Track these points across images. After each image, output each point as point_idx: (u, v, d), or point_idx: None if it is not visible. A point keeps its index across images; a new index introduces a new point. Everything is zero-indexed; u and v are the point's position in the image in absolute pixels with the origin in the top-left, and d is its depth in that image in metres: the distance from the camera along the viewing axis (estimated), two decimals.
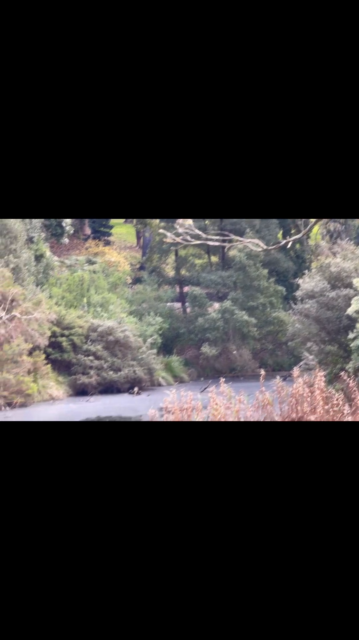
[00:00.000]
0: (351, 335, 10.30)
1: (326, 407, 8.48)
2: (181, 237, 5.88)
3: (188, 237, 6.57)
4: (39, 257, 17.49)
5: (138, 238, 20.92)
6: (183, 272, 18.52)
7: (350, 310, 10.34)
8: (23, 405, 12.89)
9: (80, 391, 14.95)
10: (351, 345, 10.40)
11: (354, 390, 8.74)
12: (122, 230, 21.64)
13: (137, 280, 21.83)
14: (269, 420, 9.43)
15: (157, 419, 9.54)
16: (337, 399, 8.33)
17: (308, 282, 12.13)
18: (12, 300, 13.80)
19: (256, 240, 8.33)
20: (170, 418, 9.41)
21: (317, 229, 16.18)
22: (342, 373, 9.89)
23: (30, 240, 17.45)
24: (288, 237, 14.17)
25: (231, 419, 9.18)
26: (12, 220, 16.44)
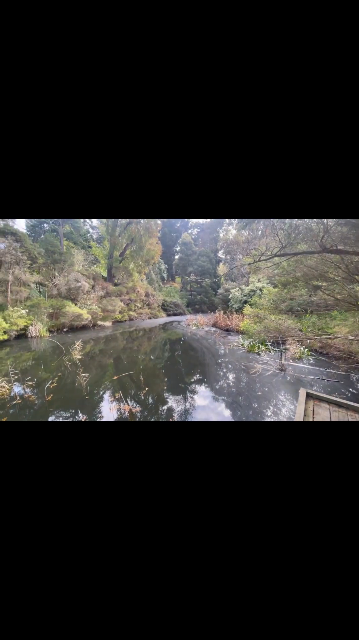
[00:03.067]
0: (230, 303, 13.07)
1: (221, 319, 11.27)
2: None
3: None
4: (159, 286, 25.84)
5: (183, 280, 31.34)
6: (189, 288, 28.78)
7: (231, 296, 13.50)
8: (154, 317, 18.59)
9: (169, 315, 22.41)
10: (230, 305, 13.26)
11: (224, 315, 11.76)
12: (179, 278, 32.80)
13: (181, 290, 29.70)
14: (207, 321, 12.20)
15: (184, 321, 13.99)
16: (223, 317, 11.59)
17: (220, 290, 17.04)
18: (151, 295, 20.94)
19: (212, 280, 12.11)
20: (185, 322, 13.47)
21: (223, 278, 23.07)
22: (226, 312, 13.36)
23: (157, 282, 26.09)
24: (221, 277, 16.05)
25: (201, 323, 12.09)
26: (153, 276, 24.93)
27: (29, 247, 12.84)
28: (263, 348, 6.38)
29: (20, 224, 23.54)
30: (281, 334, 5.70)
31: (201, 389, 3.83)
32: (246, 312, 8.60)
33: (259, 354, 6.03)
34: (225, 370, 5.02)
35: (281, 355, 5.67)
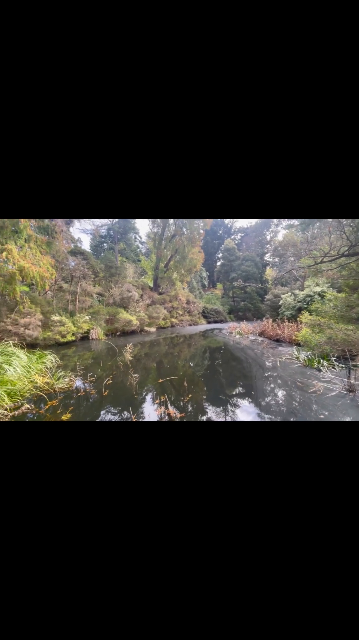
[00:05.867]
0: (281, 310, 11.92)
1: (269, 328, 10.29)
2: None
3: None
4: (199, 293, 26.44)
5: (225, 286, 30.42)
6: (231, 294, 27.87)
7: (281, 302, 12.41)
8: (194, 324, 18.78)
9: (209, 322, 22.17)
10: (280, 313, 12.25)
11: (273, 323, 10.81)
12: (220, 285, 32.22)
13: (223, 296, 29.28)
14: (252, 330, 11.20)
15: (226, 329, 13.65)
16: (272, 325, 10.76)
17: (268, 296, 17.43)
18: (192, 302, 20.89)
19: (258, 285, 11.35)
20: (227, 330, 12.77)
21: (271, 283, 20.98)
22: (276, 320, 12.50)
23: (198, 289, 26.49)
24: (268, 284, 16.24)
25: (245, 331, 11.15)
26: (194, 283, 25.08)
27: (93, 263, 15.25)
28: (325, 363, 5.38)
29: (85, 245, 29.09)
30: (351, 347, 4.75)
31: (244, 403, 3.54)
32: (304, 320, 7.56)
33: (320, 370, 5.02)
34: (273, 385, 4.49)
35: (349, 372, 4.64)
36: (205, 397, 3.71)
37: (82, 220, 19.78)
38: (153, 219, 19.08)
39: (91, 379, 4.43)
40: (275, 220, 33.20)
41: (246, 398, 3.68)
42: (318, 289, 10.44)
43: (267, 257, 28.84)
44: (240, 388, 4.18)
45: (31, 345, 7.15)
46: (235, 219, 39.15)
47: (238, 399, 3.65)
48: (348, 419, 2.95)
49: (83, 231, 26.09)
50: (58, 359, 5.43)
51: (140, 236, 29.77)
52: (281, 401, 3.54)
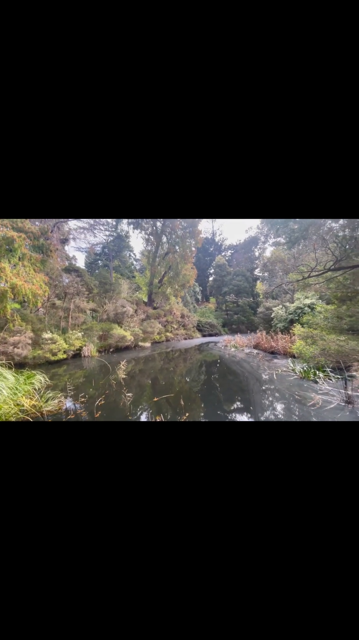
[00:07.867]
0: (273, 322, 11.86)
1: (264, 340, 10.39)
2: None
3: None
4: (193, 307, 26.19)
5: (218, 300, 30.81)
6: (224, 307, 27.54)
7: (273, 315, 12.26)
8: (189, 338, 18.33)
9: (204, 335, 21.54)
10: (273, 325, 11.99)
11: (267, 335, 10.86)
12: (213, 299, 32.49)
13: (216, 310, 29.53)
14: (247, 342, 11.30)
15: (221, 342, 13.70)
16: (266, 337, 10.70)
17: (260, 309, 17.02)
18: (187, 316, 20.71)
19: (249, 299, 11.62)
20: (222, 343, 12.78)
21: (262, 296, 21.23)
22: (269, 332, 12.38)
23: (192, 304, 26.62)
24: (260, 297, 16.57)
25: (240, 344, 11.20)
26: (188, 298, 24.98)
27: (87, 280, 15.79)
28: (321, 375, 5.29)
29: (80, 263, 29.67)
30: (345, 357, 4.82)
31: (243, 419, 3.39)
32: (296, 332, 7.73)
33: (316, 382, 5.05)
34: (271, 399, 4.43)
35: (346, 384, 4.64)
36: (202, 414, 3.63)
37: (77, 239, 21.06)
38: (147, 238, 19.69)
39: (82, 399, 4.31)
40: (262, 238, 35.20)
41: (245, 413, 3.64)
42: (307, 301, 10.74)
43: (257, 272, 29.96)
44: (238, 403, 4.12)
45: (20, 365, 6.92)
46: (225, 237, 41.50)
47: (237, 414, 3.60)
48: None
49: (78, 249, 27.26)
50: (47, 379, 5.24)
51: (134, 254, 30.22)
52: (280, 415, 3.52)
